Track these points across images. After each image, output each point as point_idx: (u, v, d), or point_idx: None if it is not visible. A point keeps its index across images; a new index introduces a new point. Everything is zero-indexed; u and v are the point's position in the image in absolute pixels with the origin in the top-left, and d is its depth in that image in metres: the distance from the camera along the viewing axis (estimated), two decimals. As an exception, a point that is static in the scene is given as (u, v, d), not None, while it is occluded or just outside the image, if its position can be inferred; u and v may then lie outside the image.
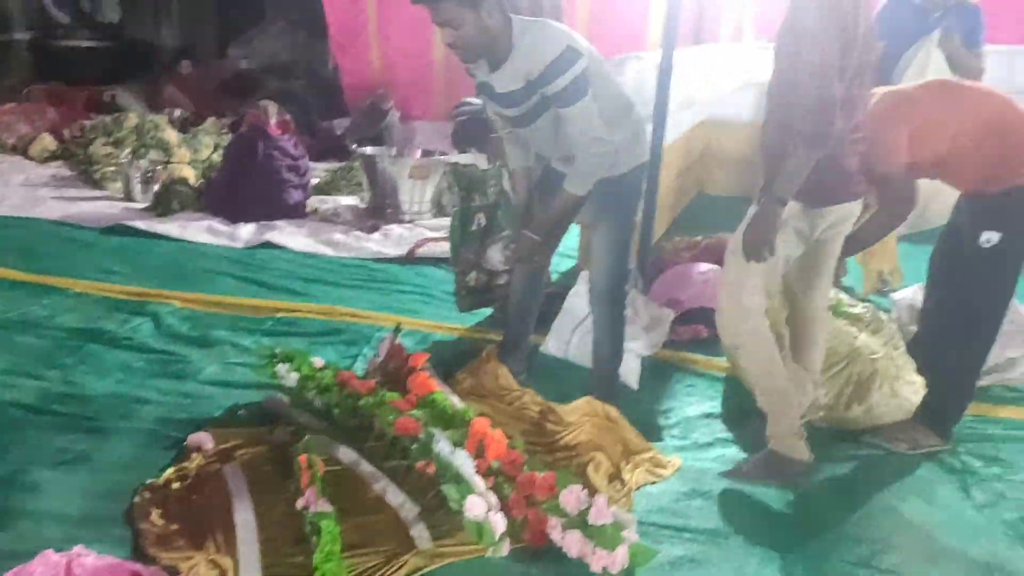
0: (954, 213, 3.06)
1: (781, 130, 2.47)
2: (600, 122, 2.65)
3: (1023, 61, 5.61)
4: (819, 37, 2.33)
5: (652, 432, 2.97)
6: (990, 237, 2.81)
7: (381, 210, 5.54)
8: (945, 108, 2.87)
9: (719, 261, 4.21)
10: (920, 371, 3.07)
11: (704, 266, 4.11)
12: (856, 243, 2.99)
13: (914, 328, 3.36)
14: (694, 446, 2.93)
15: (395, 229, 5.33)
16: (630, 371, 3.36)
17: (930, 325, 3.18)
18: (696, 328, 3.78)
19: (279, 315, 3.91)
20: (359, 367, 3.33)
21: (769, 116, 2.58)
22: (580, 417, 2.86)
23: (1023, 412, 3.20)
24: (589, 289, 3.12)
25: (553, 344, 3.57)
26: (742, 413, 3.08)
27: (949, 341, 2.99)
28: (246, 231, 5.20)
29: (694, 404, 3.25)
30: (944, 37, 3.86)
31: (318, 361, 2.98)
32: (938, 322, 3.10)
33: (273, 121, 5.66)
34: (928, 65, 3.81)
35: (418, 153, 6.05)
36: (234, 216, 5.36)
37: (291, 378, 2.91)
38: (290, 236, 5.14)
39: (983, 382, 3.20)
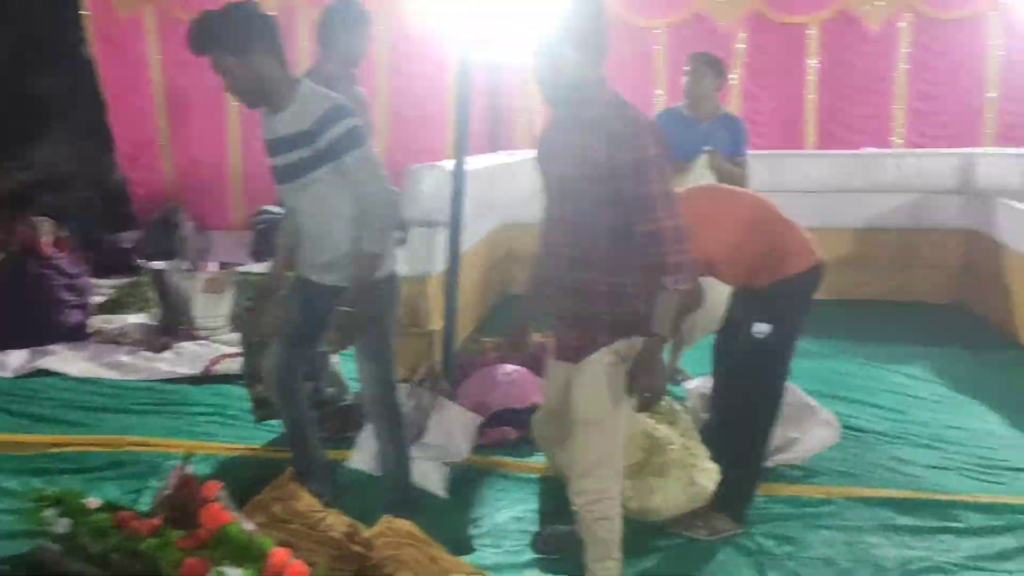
0: (729, 306, 3.28)
1: (611, 264, 2.34)
2: (386, 176, 2.76)
3: (783, 164, 6.22)
4: (662, 165, 2.28)
5: (462, 544, 2.90)
6: (762, 328, 3.01)
7: (173, 327, 5.24)
8: (710, 210, 3.09)
9: (524, 362, 4.28)
10: (714, 458, 3.20)
11: (509, 367, 4.15)
12: None
13: (707, 416, 3.53)
14: (506, 553, 2.88)
15: (189, 346, 5.04)
16: (437, 480, 3.29)
17: (717, 413, 3.36)
18: (504, 430, 3.78)
19: (52, 450, 3.55)
20: (145, 502, 3.06)
21: (567, 250, 2.38)
22: (386, 537, 2.75)
23: (808, 489, 3.38)
24: (360, 401, 3.07)
25: (358, 458, 3.45)
26: (555, 514, 3.07)
27: (735, 428, 3.16)
28: (15, 358, 4.74)
29: (505, 509, 3.21)
30: (711, 158, 4.21)
31: (93, 502, 2.70)
32: (724, 410, 3.27)
33: (47, 238, 5.27)
34: (698, 177, 4.14)
35: (214, 265, 5.82)
36: (1, 342, 4.88)
37: (62, 523, 2.62)
38: (67, 361, 4.73)
39: (770, 463, 3.38)
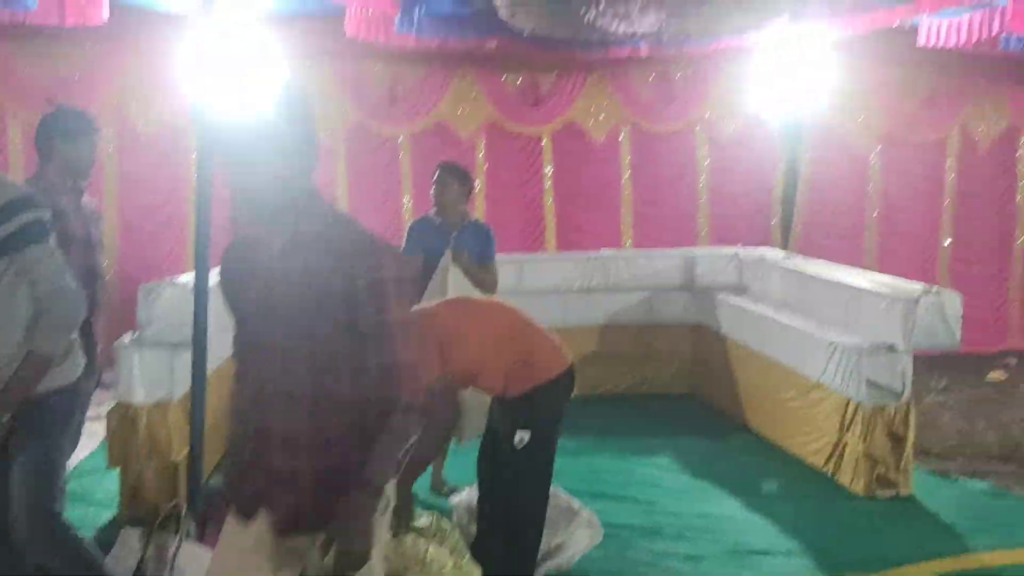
0: (490, 417, 3.30)
1: (356, 407, 1.95)
2: (71, 276, 2.60)
3: (529, 267, 6.49)
4: (401, 289, 1.96)
5: None
6: (523, 437, 3.06)
7: None
8: (464, 322, 3.13)
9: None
10: (485, 573, 3.15)
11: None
12: (415, 466, 3.05)
13: (475, 529, 3.48)
14: None
15: None
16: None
17: (485, 526, 3.32)
18: (260, 567, 3.48)
19: None
20: None
21: (299, 394, 1.94)
22: None
23: (578, 595, 3.41)
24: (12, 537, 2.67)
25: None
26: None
27: (503, 539, 3.15)
28: None
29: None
30: (455, 256, 4.27)
31: None
32: (491, 522, 3.25)
33: None
34: (448, 280, 4.17)
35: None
36: None
37: None
38: None
39: (539, 572, 3.37)
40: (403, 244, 4.62)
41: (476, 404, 3.79)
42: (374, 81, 7.28)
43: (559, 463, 3.28)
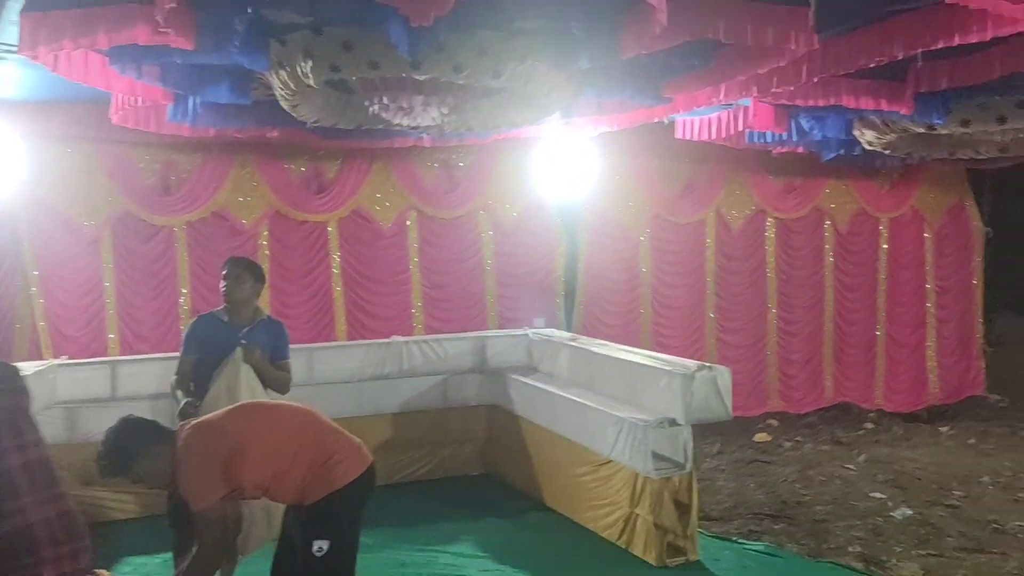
0: (284, 526, 3.13)
1: None
2: None
3: (317, 356, 6.32)
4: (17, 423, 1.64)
5: None
6: (321, 545, 2.93)
7: None
8: (255, 430, 2.98)
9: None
10: None
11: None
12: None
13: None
14: None
15: None
16: None
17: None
18: None
19: None
20: None
21: None
22: None
23: None
24: None
25: None
26: None
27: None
28: None
29: None
30: (245, 353, 4.05)
31: None
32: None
33: None
34: (239, 378, 3.95)
35: None
36: None
37: None
38: None
39: None
40: (181, 342, 4.36)
41: (260, 514, 3.60)
42: (145, 168, 6.91)
43: (359, 560, 3.15)
